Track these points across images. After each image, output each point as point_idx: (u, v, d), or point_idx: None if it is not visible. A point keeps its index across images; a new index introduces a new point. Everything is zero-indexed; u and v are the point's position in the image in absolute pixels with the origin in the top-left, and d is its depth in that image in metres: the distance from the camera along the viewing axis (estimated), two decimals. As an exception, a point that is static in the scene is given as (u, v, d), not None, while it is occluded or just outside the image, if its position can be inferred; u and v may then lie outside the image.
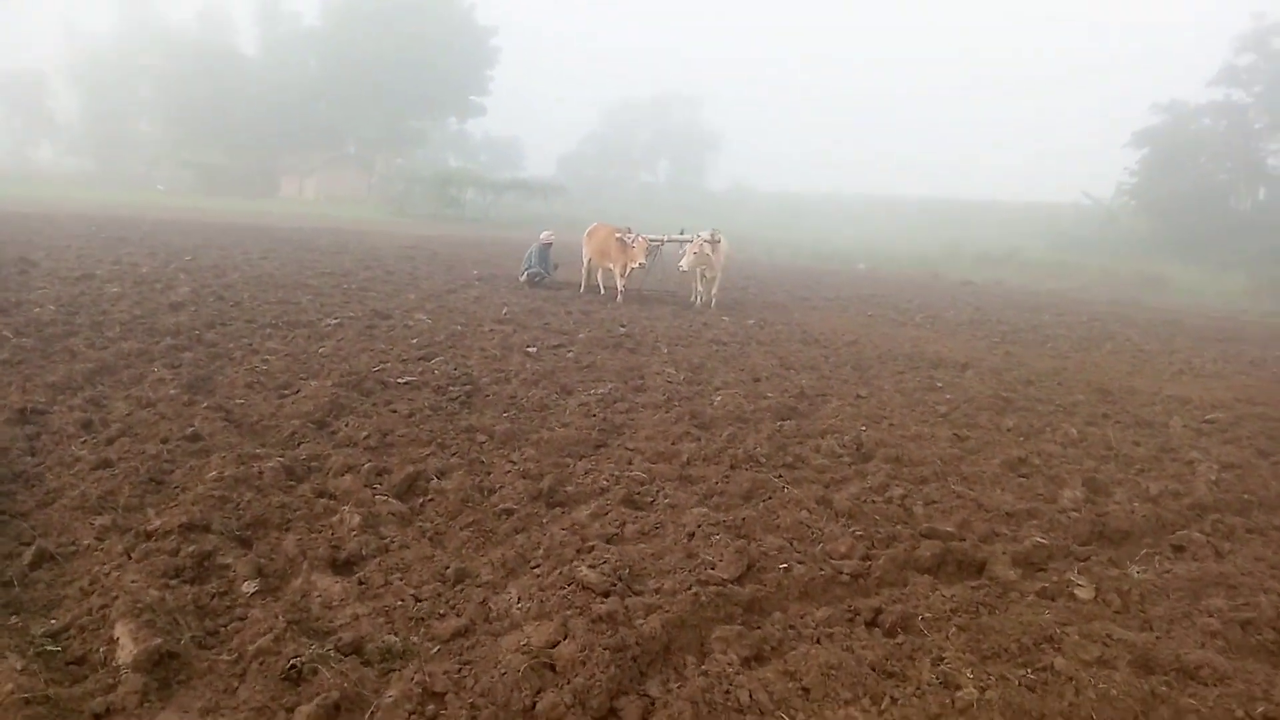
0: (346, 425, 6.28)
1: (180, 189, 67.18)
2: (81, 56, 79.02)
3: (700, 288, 16.61)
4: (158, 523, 4.13)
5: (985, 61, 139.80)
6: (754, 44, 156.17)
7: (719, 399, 7.92)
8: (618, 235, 16.21)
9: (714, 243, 15.85)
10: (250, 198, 64.37)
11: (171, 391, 6.83)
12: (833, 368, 10.64)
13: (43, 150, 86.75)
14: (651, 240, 16.39)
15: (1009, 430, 7.67)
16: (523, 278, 18.02)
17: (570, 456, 5.97)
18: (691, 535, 4.50)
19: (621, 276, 16.33)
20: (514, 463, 5.58)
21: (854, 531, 4.65)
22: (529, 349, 10.20)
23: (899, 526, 4.87)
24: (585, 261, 17.65)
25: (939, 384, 9.89)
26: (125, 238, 21.44)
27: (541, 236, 18.39)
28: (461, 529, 4.57)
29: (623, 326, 12.78)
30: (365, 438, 5.99)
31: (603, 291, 17.23)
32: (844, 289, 23.69)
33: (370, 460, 5.41)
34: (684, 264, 15.56)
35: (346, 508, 4.59)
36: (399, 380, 7.89)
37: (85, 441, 5.51)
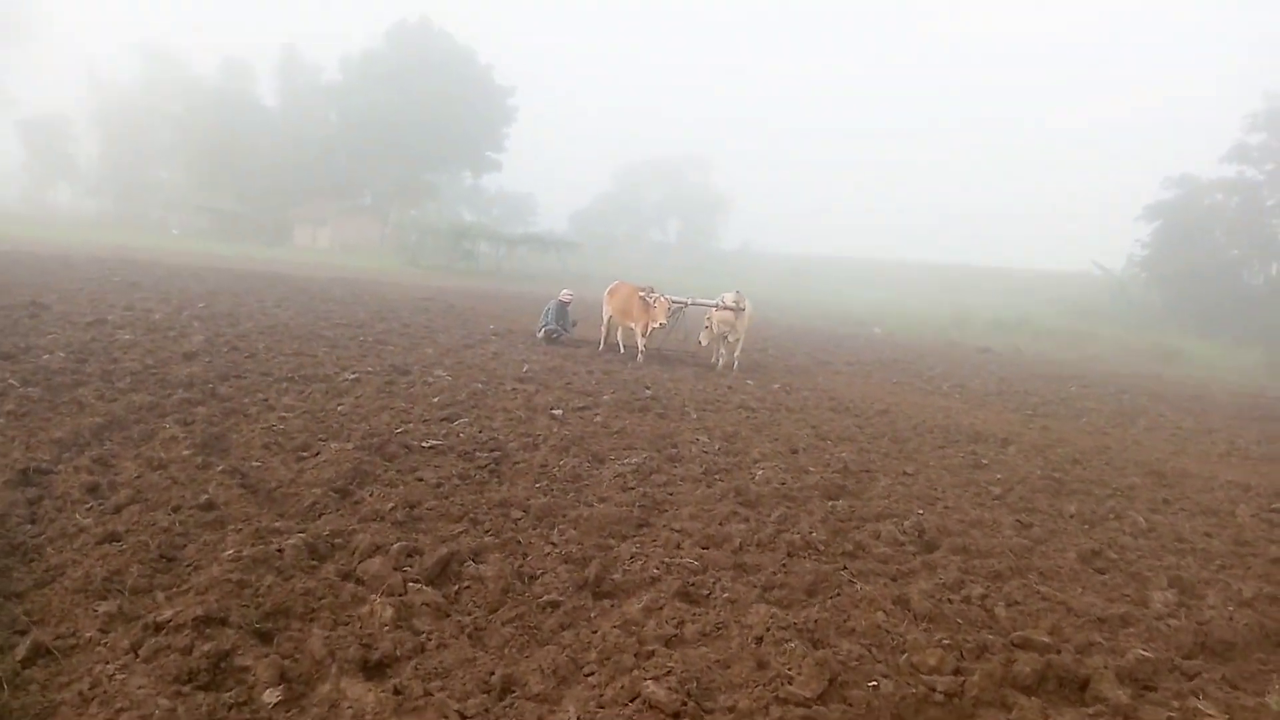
0: (371, 495, 5.84)
1: (195, 234, 67.50)
2: (105, 103, 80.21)
3: (723, 350, 16.24)
4: (169, 613, 3.67)
5: (995, 131, 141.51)
6: (767, 109, 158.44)
7: (760, 473, 7.47)
8: (640, 294, 15.90)
9: (739, 309, 15.55)
10: (264, 245, 64.63)
11: (184, 452, 6.41)
12: (870, 439, 10.19)
13: (61, 193, 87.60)
14: (675, 301, 16.07)
15: (1072, 517, 7.20)
16: (540, 334, 17.69)
17: (612, 537, 5.52)
18: (760, 640, 4.03)
19: (643, 336, 15.98)
20: (554, 544, 5.12)
21: (940, 640, 4.18)
22: (554, 411, 9.78)
23: (986, 633, 4.39)
24: (605, 319, 17.31)
25: (984, 461, 9.43)
26: (139, 282, 21.21)
27: (561, 294, 18.12)
28: (504, 624, 4.11)
29: (648, 389, 12.37)
30: (391, 510, 5.55)
31: (622, 350, 16.87)
32: (864, 353, 23.32)
33: (399, 538, 4.96)
34: (703, 339, 15.27)
35: (377, 596, 4.14)
36: (423, 444, 7.46)
37: (91, 508, 5.08)
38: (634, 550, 5.20)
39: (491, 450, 7.55)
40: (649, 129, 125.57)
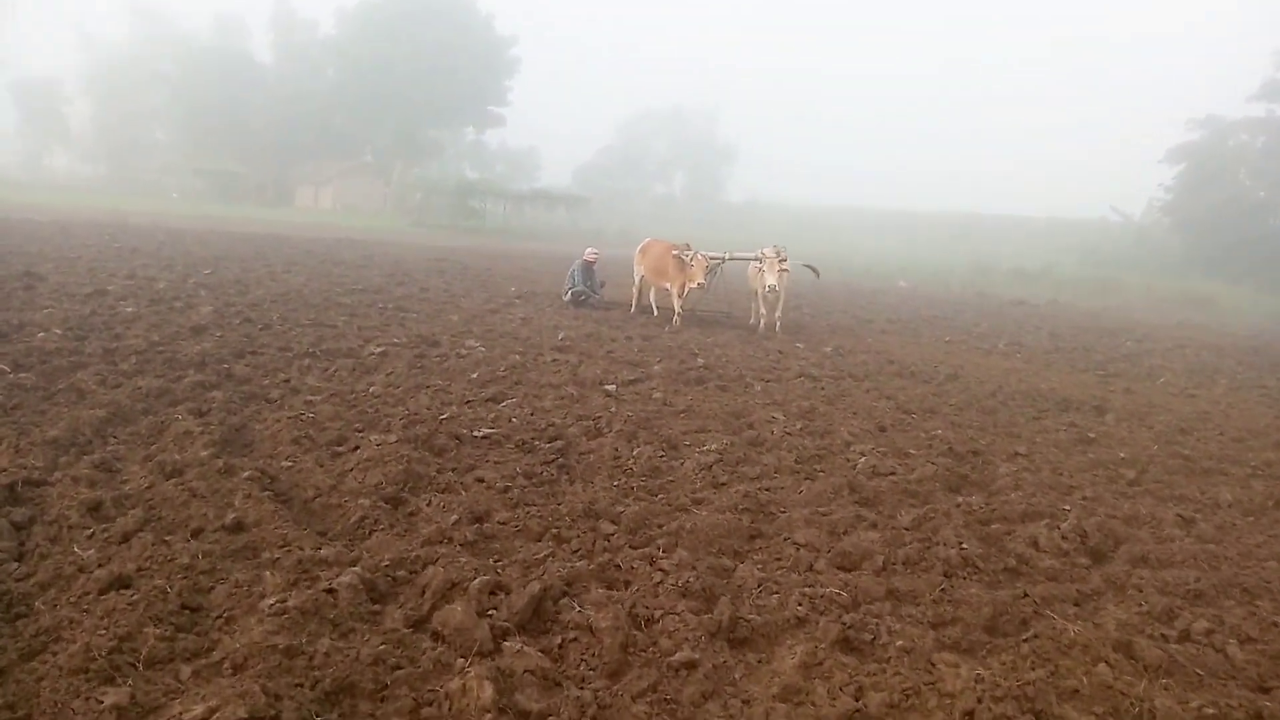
0: (428, 505, 4.88)
1: (194, 197, 66.11)
2: (96, 64, 78.18)
3: (764, 310, 15.19)
4: (199, 710, 2.71)
5: (1006, 75, 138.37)
6: (771, 56, 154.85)
7: (862, 460, 6.49)
8: (675, 252, 14.82)
9: (783, 261, 14.49)
10: (265, 206, 63.34)
11: (202, 452, 5.44)
12: (955, 411, 9.20)
13: (57, 158, 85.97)
14: (712, 258, 14.97)
15: (1230, 506, 6.22)
16: (566, 297, 16.65)
17: (725, 554, 4.56)
18: (970, 715, 3.07)
19: (679, 297, 14.92)
20: (663, 571, 4.16)
21: (1198, 707, 3.21)
22: (607, 387, 8.79)
23: (1244, 690, 3.43)
24: (637, 280, 16.25)
25: (1091, 435, 8.44)
26: (139, 248, 20.15)
27: (585, 254, 17.03)
28: (634, 699, 3.15)
29: (697, 356, 11.38)
30: (456, 525, 4.58)
31: (655, 313, 15.83)
32: (901, 309, 22.24)
33: (475, 568, 4.00)
34: (772, 282, 14.16)
35: (468, 665, 3.18)
36: (475, 433, 6.48)
37: (93, 535, 4.12)
38: (759, 575, 4.23)
39: (552, 439, 6.57)
40: (652, 79, 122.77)
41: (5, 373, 7.15)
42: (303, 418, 6.57)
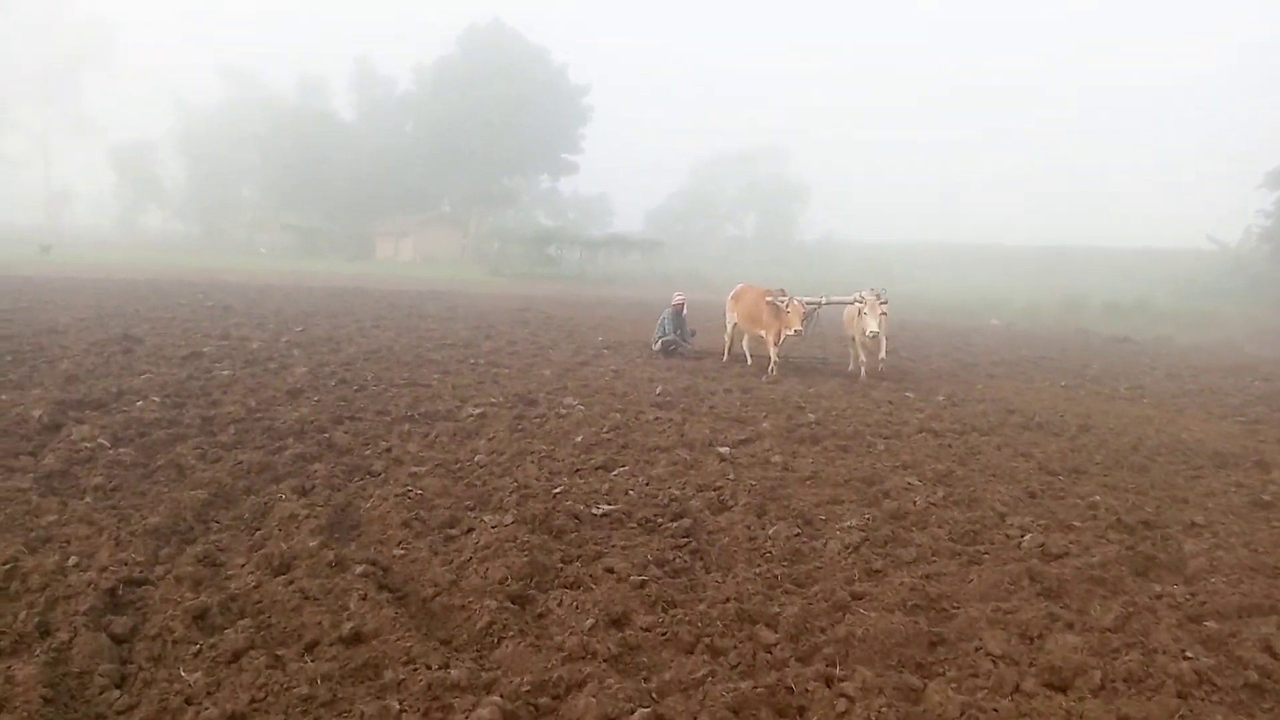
0: (559, 606, 4.35)
1: (281, 252, 68.15)
2: (188, 126, 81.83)
3: (864, 356, 14.46)
4: None
5: (1092, 106, 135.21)
6: (842, 93, 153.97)
7: (1027, 538, 5.77)
8: (769, 299, 14.22)
9: (883, 304, 13.79)
10: (348, 259, 64.86)
11: (309, 541, 5.02)
12: (1103, 470, 8.37)
13: (151, 217, 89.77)
14: (808, 303, 14.34)
15: None
16: (656, 346, 16.18)
17: (910, 670, 3.93)
18: None
19: (775, 345, 14.29)
20: (846, 697, 3.53)
21: None
22: (720, 449, 8.21)
23: None
24: (729, 327, 15.69)
25: (1265, 497, 7.52)
26: (232, 306, 20.42)
27: (673, 300, 16.54)
28: None
29: (804, 409, 10.73)
30: (593, 631, 4.05)
31: (749, 361, 15.22)
32: (1001, 350, 21.19)
33: (628, 694, 3.44)
34: (875, 328, 13.48)
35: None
36: (594, 511, 5.96)
37: (199, 653, 3.69)
38: (959, 699, 3.57)
39: (677, 516, 6.02)
40: (722, 121, 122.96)
41: (105, 449, 6.92)
42: (410, 495, 6.14)
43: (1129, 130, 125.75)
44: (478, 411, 9.50)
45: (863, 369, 14.43)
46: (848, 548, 5.46)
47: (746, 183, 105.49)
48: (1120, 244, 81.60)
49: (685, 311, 16.54)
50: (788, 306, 13.89)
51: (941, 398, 12.56)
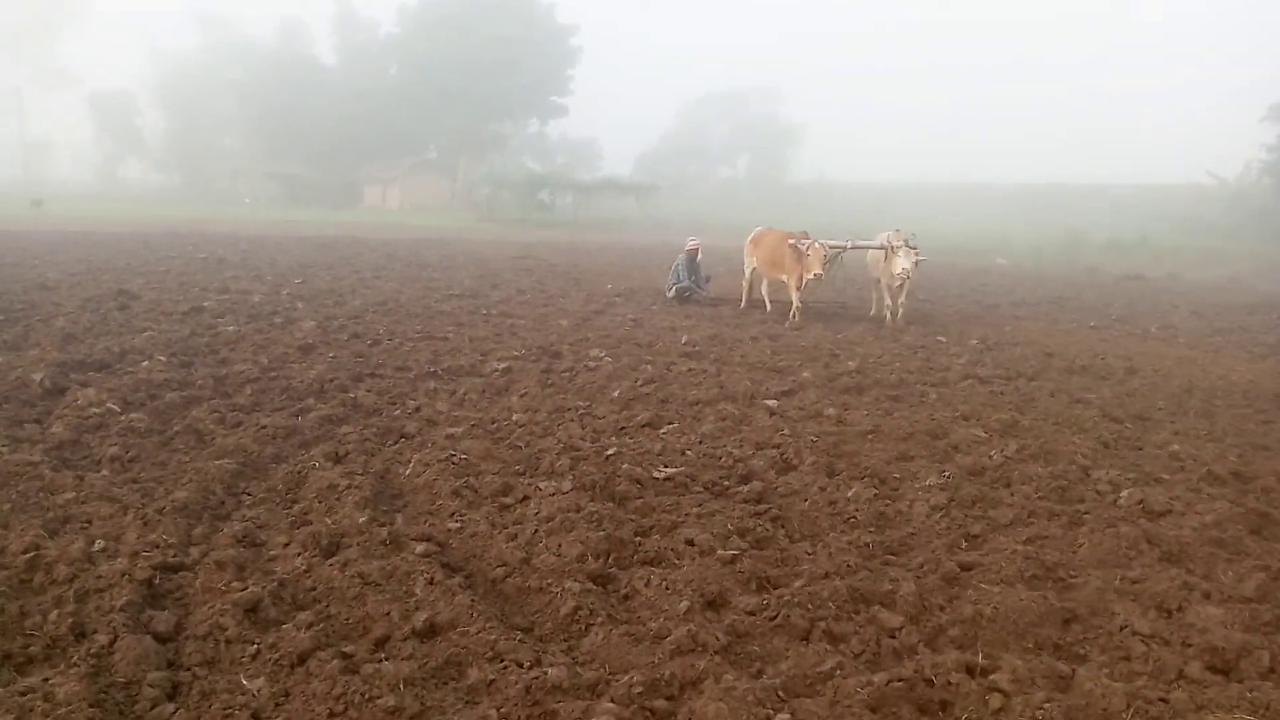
0: (646, 586, 3.93)
1: (266, 201, 66.81)
2: (166, 74, 79.40)
3: (889, 299, 13.97)
4: None
5: (1085, 39, 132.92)
6: (832, 24, 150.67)
7: (1125, 495, 5.36)
8: (791, 242, 13.66)
9: (913, 248, 13.29)
10: (335, 208, 63.60)
11: (358, 517, 4.57)
12: (1169, 416, 7.99)
13: (131, 168, 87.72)
14: (832, 246, 13.78)
15: None
16: (670, 293, 15.64)
17: (1049, 652, 3.52)
18: None
19: (797, 289, 13.77)
20: (1001, 691, 3.12)
21: None
22: (767, 403, 7.77)
23: None
24: (748, 273, 15.16)
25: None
26: (225, 258, 19.73)
27: (686, 245, 15.95)
28: None
29: (839, 357, 10.29)
30: (689, 615, 3.62)
31: (769, 307, 14.71)
32: (1017, 290, 20.73)
33: (755, 695, 3.01)
34: (907, 264, 12.97)
35: None
36: (656, 475, 5.52)
37: (258, 654, 3.25)
38: (1121, 689, 3.16)
39: (744, 478, 5.59)
40: (711, 63, 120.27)
41: (116, 414, 6.41)
42: (453, 460, 5.67)
43: (1127, 65, 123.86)
44: (502, 366, 9.01)
45: (887, 313, 13.96)
46: (936, 509, 5.04)
47: (737, 123, 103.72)
48: (1118, 180, 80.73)
49: (700, 257, 15.98)
50: (809, 250, 13.35)
51: (975, 341, 12.13)
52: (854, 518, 4.95)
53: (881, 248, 13.65)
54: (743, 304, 15.20)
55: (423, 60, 68.90)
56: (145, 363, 8.24)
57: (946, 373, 9.63)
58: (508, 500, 5.04)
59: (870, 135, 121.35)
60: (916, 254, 13.27)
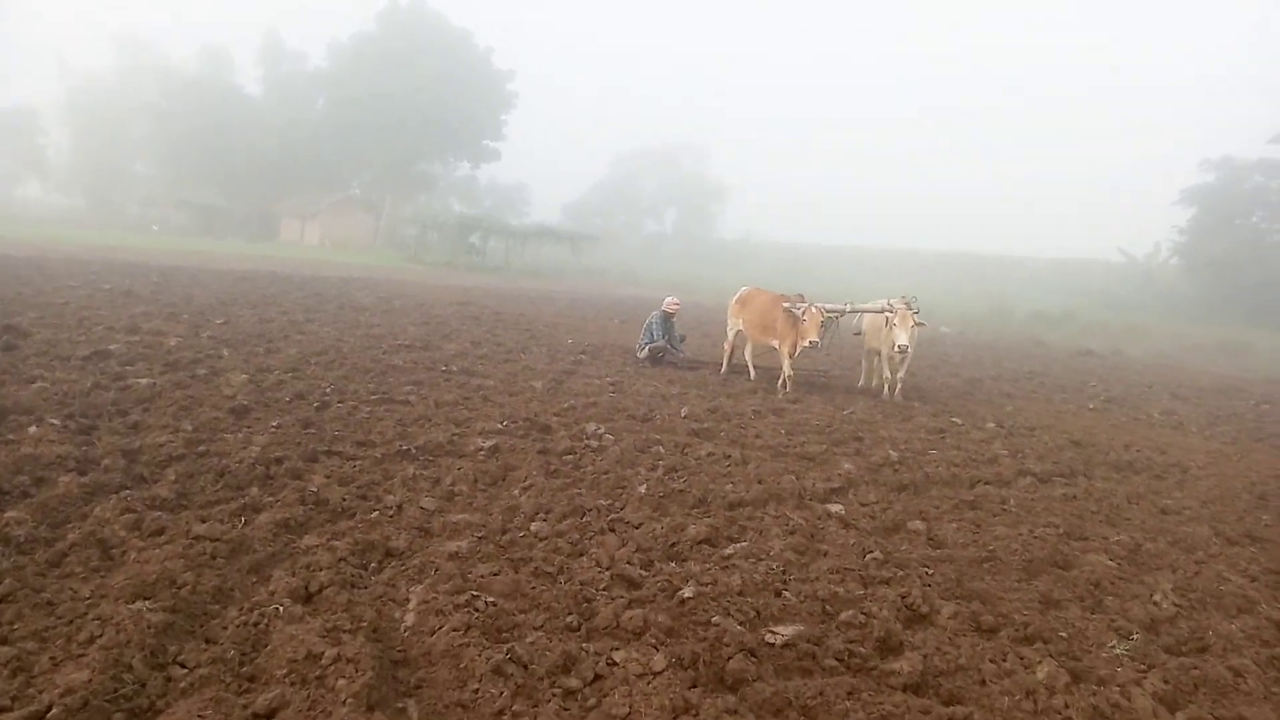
0: None
1: (176, 231, 63.19)
2: (75, 93, 75.04)
3: (888, 372, 12.83)
4: None
5: (1012, 120, 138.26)
6: (764, 97, 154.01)
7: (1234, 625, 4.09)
8: (786, 305, 12.43)
9: (915, 314, 12.22)
10: (250, 240, 60.47)
11: (344, 710, 2.93)
12: (1269, 529, 6.85)
13: (31, 188, 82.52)
14: (829, 310, 12.57)
15: None
16: (642, 353, 14.20)
17: None
18: None
19: (789, 357, 12.50)
20: None
21: None
22: (830, 508, 6.36)
23: None
24: (731, 335, 13.84)
25: None
26: (133, 291, 17.50)
27: (665, 303, 14.57)
28: None
29: (863, 440, 8.99)
30: None
31: (753, 375, 13.40)
32: (982, 363, 19.95)
33: None
34: (904, 341, 11.81)
35: None
36: (770, 639, 4.00)
37: None
38: None
39: (881, 643, 4.11)
40: (643, 117, 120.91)
41: (-14, 516, 4.59)
42: (474, 604, 4.06)
43: (1044, 143, 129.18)
44: (488, 444, 7.38)
45: (886, 387, 12.79)
46: (1163, 703, 3.65)
47: (666, 180, 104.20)
48: (1032, 254, 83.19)
49: (676, 318, 14.63)
50: (805, 314, 12.13)
51: (992, 424, 11.02)
52: (1035, 693, 3.54)
53: (882, 311, 12.50)
54: (723, 370, 13.86)
55: (352, 95, 66.69)
56: (33, 428, 6.37)
57: (995, 466, 8.39)
58: (574, 684, 3.46)
59: (795, 200, 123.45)
60: (917, 321, 12.19)
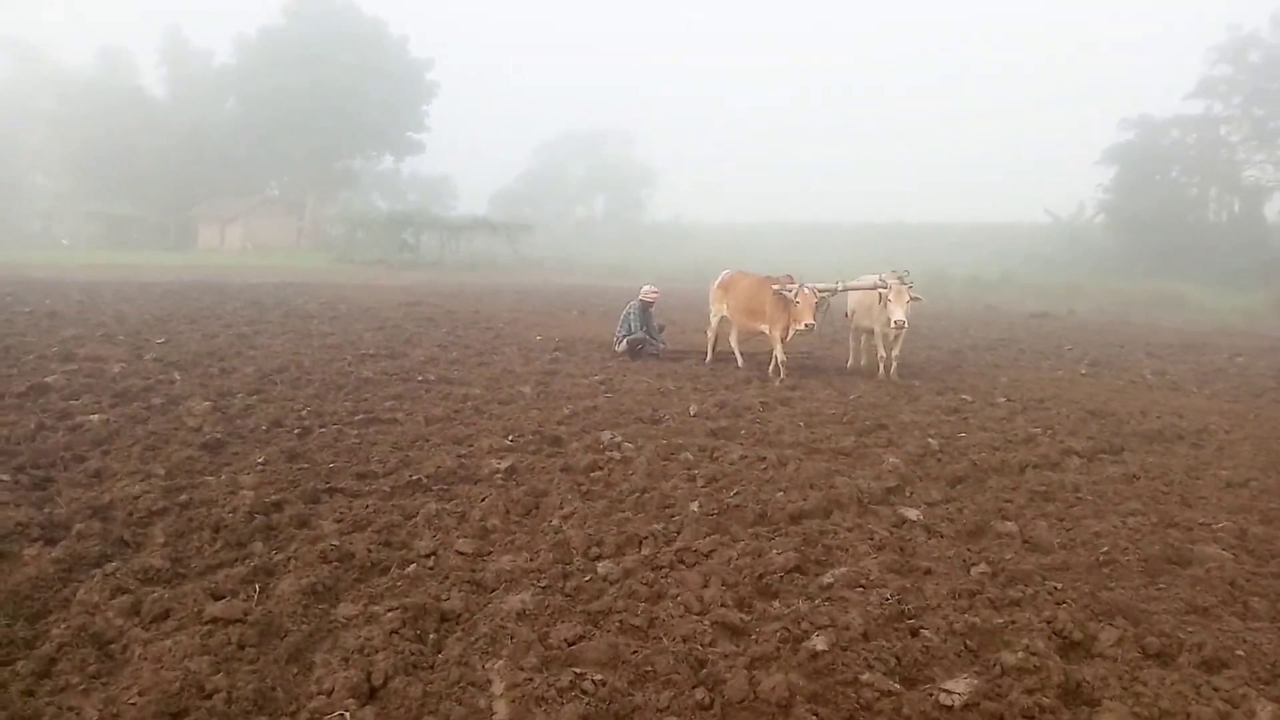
0: None
1: (87, 243, 60.04)
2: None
3: (882, 350, 12.35)
4: None
5: (925, 85, 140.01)
6: (683, 77, 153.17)
7: None
8: (775, 288, 11.84)
9: (910, 286, 11.82)
10: (168, 249, 57.81)
11: None
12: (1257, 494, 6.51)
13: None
14: (821, 290, 12.02)
15: None
16: (620, 346, 13.50)
17: None
18: None
19: (781, 341, 11.93)
20: None
21: None
22: (908, 513, 5.78)
23: None
24: (714, 322, 13.21)
25: None
26: (58, 312, 16.10)
27: (642, 292, 13.85)
28: None
29: (892, 428, 8.46)
30: None
31: (741, 361, 12.81)
32: (951, 332, 19.73)
33: None
34: (900, 316, 11.38)
35: None
36: (944, 700, 3.36)
37: None
38: None
39: (1040, 679, 3.51)
40: (567, 106, 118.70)
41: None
42: (579, 685, 3.34)
43: (966, 110, 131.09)
44: (503, 465, 6.62)
45: (881, 366, 12.32)
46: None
47: (593, 164, 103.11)
48: (956, 219, 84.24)
49: (654, 307, 13.94)
50: (797, 296, 11.55)
51: (1002, 399, 10.64)
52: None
53: (874, 288, 12.00)
54: (708, 359, 13.24)
55: (264, 92, 64.00)
56: (-24, 489, 5.41)
57: (1035, 447, 7.93)
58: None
59: (720, 180, 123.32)
60: (913, 296, 11.77)
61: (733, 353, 13.07)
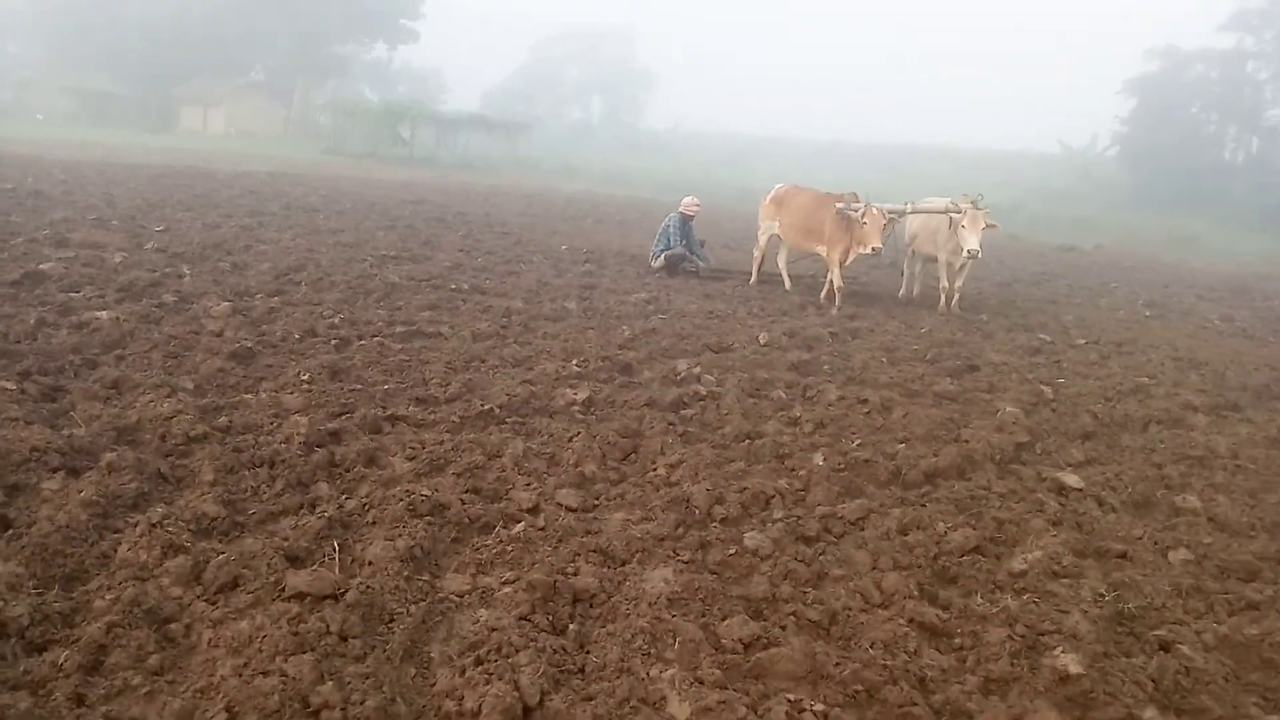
0: None
1: (62, 118, 57.34)
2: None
3: (944, 280, 11.49)
4: None
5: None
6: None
7: None
8: (839, 206, 10.85)
9: (986, 211, 10.96)
10: (147, 130, 55.28)
11: None
12: None
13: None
14: (889, 211, 11.01)
15: None
16: (658, 261, 12.55)
17: None
18: None
19: (840, 265, 11.01)
20: None
21: None
22: (1066, 478, 5.02)
23: None
24: (762, 240, 12.24)
25: None
26: (42, 191, 14.83)
27: (683, 204, 12.80)
28: None
29: (986, 371, 7.69)
30: None
31: (789, 285, 11.94)
32: (992, 265, 18.83)
33: None
34: (975, 245, 10.51)
35: None
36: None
37: None
38: None
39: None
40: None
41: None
42: None
43: (981, 28, 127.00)
44: (580, 397, 5.78)
45: (943, 298, 11.47)
46: None
47: (591, 65, 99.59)
48: (965, 144, 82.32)
49: (695, 220, 12.94)
50: (864, 216, 10.59)
51: (1082, 341, 9.89)
52: None
53: (946, 212, 11.04)
54: (753, 279, 12.34)
55: (253, -34, 60.56)
56: (-23, 400, 4.53)
57: (1151, 399, 7.19)
58: None
59: (724, 89, 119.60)
60: (990, 224, 10.91)
61: (779, 273, 12.18)
